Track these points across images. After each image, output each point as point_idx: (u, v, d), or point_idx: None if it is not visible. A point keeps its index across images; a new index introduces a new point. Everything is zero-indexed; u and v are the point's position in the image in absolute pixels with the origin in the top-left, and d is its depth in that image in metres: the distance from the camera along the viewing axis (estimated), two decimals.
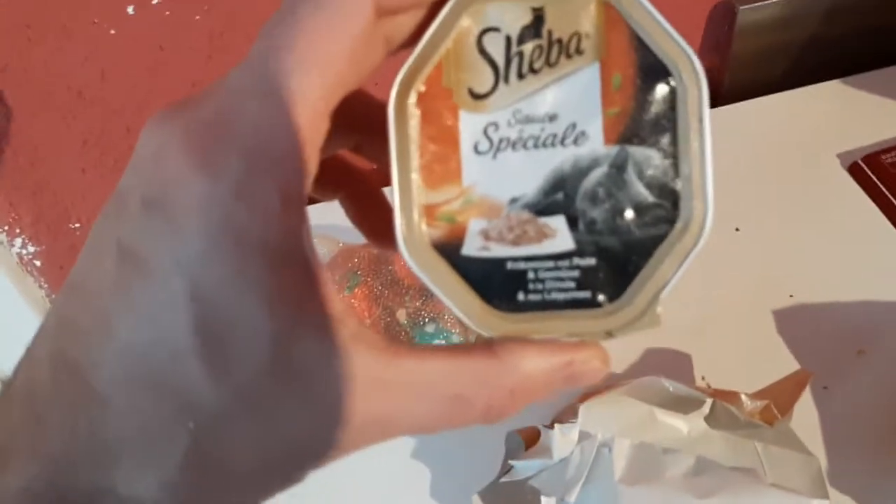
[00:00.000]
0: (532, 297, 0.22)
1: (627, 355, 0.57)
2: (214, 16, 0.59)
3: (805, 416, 0.51)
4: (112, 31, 0.58)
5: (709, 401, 0.44)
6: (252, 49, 0.19)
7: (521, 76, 0.21)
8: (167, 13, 0.58)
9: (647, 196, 0.21)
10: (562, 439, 0.44)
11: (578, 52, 0.21)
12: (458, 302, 0.21)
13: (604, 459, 0.43)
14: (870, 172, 0.65)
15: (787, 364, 0.56)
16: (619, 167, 0.21)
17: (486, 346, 0.21)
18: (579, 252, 0.21)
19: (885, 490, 0.49)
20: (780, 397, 0.47)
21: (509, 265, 0.22)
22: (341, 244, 0.60)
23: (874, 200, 0.64)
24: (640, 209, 0.21)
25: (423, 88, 0.21)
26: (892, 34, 0.76)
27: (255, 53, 0.19)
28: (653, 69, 0.21)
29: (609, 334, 0.22)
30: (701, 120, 0.20)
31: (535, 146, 0.21)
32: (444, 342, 0.54)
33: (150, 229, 0.18)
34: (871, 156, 0.66)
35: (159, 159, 0.18)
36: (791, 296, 0.59)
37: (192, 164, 0.18)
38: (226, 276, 0.18)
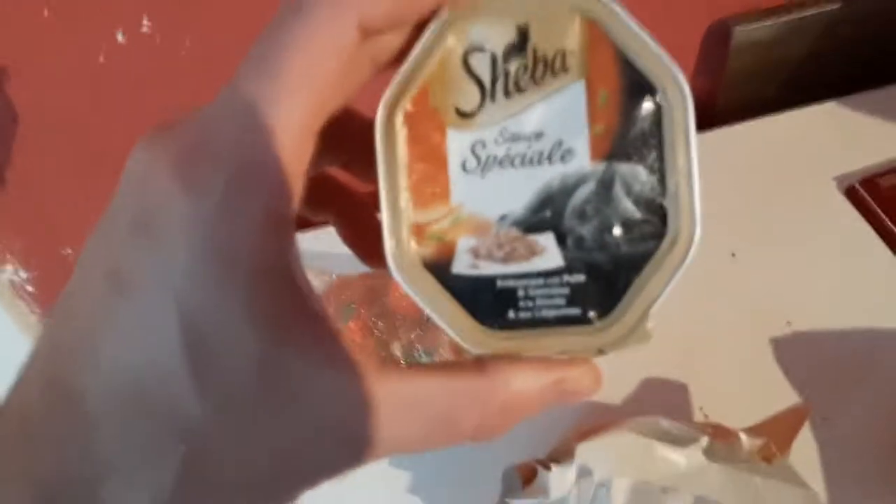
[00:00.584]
0: (522, 314, 0.22)
1: (624, 386, 0.57)
2: (205, 42, 0.60)
3: (804, 448, 0.51)
4: (101, 59, 0.59)
5: (706, 439, 0.45)
6: (237, 71, 0.20)
7: (507, 94, 0.22)
8: (157, 40, 0.58)
9: (635, 212, 0.21)
10: (559, 478, 0.44)
11: (564, 69, 0.21)
12: (449, 320, 0.22)
13: (601, 500, 0.43)
14: (867, 196, 0.66)
15: (786, 394, 0.56)
16: (606, 184, 0.21)
17: (475, 363, 0.21)
18: (569, 269, 0.22)
19: None
20: (778, 434, 0.47)
21: (499, 283, 0.22)
22: (335, 276, 0.60)
23: (872, 225, 0.65)
24: (628, 225, 0.21)
25: (409, 108, 0.22)
26: (887, 52, 0.78)
27: (239, 75, 0.20)
28: (638, 86, 0.21)
29: (600, 351, 0.22)
30: (687, 135, 0.21)
31: (523, 164, 0.22)
32: None
33: (137, 251, 0.18)
34: (868, 179, 0.67)
35: (146, 181, 0.19)
36: (789, 323, 0.60)
37: (178, 186, 0.18)
38: (212, 295, 0.18)
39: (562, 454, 0.47)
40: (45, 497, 0.18)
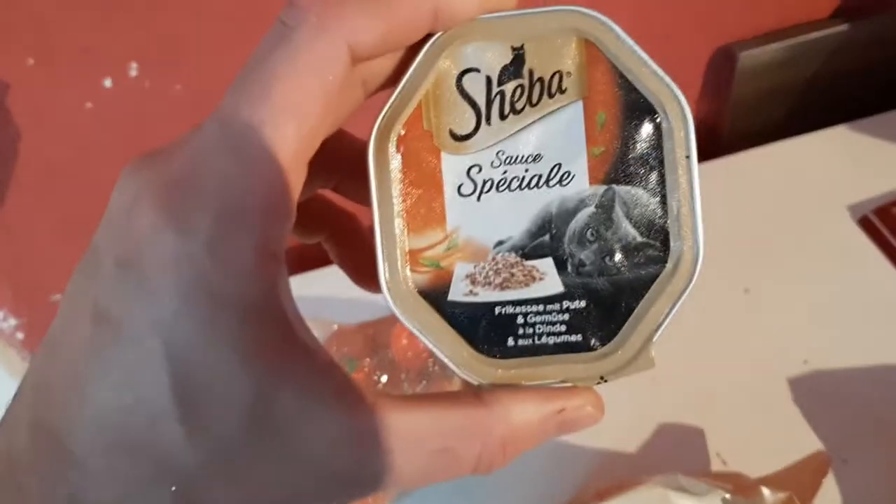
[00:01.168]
0: (522, 341, 0.22)
1: (639, 432, 0.56)
2: (195, 85, 0.60)
3: (827, 494, 0.50)
4: (89, 105, 0.58)
5: (727, 496, 0.44)
6: (223, 100, 0.20)
7: (503, 116, 0.22)
8: (146, 85, 0.58)
9: (636, 236, 0.21)
10: None
11: (560, 90, 0.21)
12: (446, 350, 0.22)
13: None
14: (880, 226, 0.65)
15: (805, 437, 0.55)
16: (606, 207, 0.21)
17: (474, 394, 0.21)
18: (569, 295, 0.22)
19: None
20: (801, 485, 0.47)
21: (497, 310, 0.22)
22: (335, 327, 0.59)
23: (887, 255, 0.64)
24: (629, 249, 0.22)
25: (403, 132, 0.22)
26: (893, 73, 0.78)
27: (226, 105, 0.19)
28: (637, 106, 0.21)
29: (602, 379, 0.22)
30: (688, 157, 0.21)
31: (520, 187, 0.22)
32: None
33: (124, 290, 0.18)
34: (882, 208, 0.67)
35: (132, 215, 0.19)
36: (805, 361, 0.59)
37: (164, 222, 0.18)
38: (200, 334, 0.18)
39: None
40: None
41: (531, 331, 0.22)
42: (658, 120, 0.21)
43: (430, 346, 0.22)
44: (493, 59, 0.21)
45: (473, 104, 0.21)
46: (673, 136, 0.21)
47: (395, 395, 0.20)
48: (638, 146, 0.21)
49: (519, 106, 0.21)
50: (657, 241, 0.21)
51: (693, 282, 0.21)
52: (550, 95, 0.21)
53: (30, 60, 0.55)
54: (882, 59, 0.77)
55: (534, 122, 0.21)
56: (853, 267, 0.64)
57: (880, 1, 0.74)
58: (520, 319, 0.22)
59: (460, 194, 0.22)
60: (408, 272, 0.22)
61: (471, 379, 0.22)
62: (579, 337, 0.22)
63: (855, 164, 0.71)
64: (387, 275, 0.21)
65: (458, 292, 0.22)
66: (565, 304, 0.22)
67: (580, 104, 0.21)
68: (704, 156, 0.77)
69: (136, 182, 0.19)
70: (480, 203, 0.22)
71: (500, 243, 0.22)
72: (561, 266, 0.22)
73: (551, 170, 0.21)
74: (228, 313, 0.18)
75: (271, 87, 0.19)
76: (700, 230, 0.21)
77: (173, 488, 0.18)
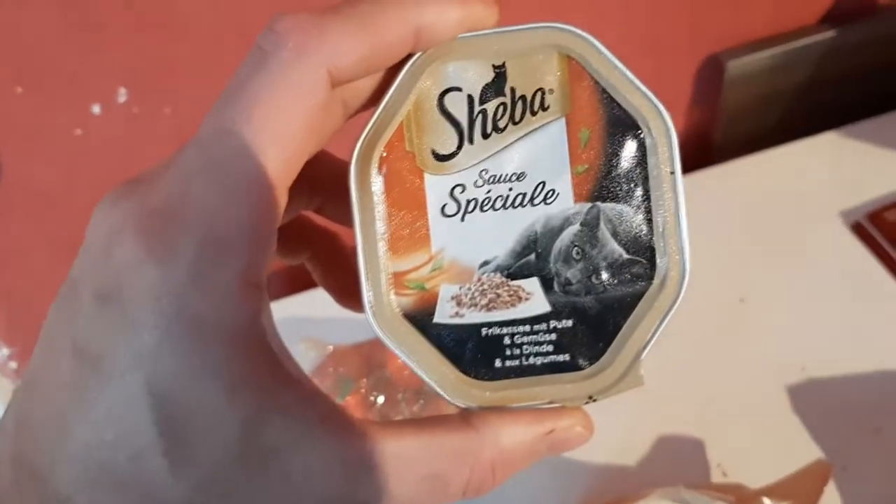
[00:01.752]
0: (510, 362, 0.22)
1: (638, 445, 0.56)
2: (184, 110, 0.60)
3: (827, 501, 0.50)
4: (78, 132, 0.59)
5: None
6: (202, 126, 0.19)
7: (485, 135, 0.21)
8: (135, 110, 0.59)
9: (623, 253, 0.21)
10: None
11: (543, 108, 0.21)
12: (433, 373, 0.22)
13: None
14: (873, 232, 0.65)
15: (805, 445, 0.55)
16: (591, 225, 0.21)
17: (462, 418, 0.21)
18: (556, 314, 0.22)
19: None
20: (802, 495, 0.46)
21: (484, 331, 0.22)
22: (331, 348, 0.59)
23: (881, 261, 0.65)
24: (615, 267, 0.21)
25: (384, 153, 0.22)
26: (882, 78, 0.79)
27: (205, 131, 0.19)
28: (620, 123, 0.21)
29: (591, 398, 0.22)
30: (673, 172, 0.21)
31: (504, 206, 0.21)
32: None
33: (104, 324, 0.18)
34: (875, 214, 0.67)
35: (111, 246, 0.19)
36: (803, 369, 0.59)
37: (144, 252, 0.18)
38: (184, 366, 0.18)
39: None
40: None
41: (518, 351, 0.22)
42: (642, 136, 0.21)
43: (417, 370, 0.21)
44: (475, 77, 0.21)
45: (456, 123, 0.21)
46: (657, 151, 0.21)
47: (382, 421, 0.20)
48: (622, 163, 0.21)
49: (501, 124, 0.21)
50: (643, 258, 0.21)
51: (680, 298, 0.21)
52: (533, 113, 0.21)
53: (18, 89, 0.55)
54: (870, 65, 0.77)
55: (517, 140, 0.21)
56: (847, 273, 0.65)
57: (867, 6, 0.75)
58: (507, 340, 0.22)
59: (444, 215, 0.21)
60: (392, 295, 0.22)
61: (458, 402, 0.22)
62: (567, 357, 0.22)
63: (846, 170, 0.72)
64: (371, 299, 0.21)
65: (443, 314, 0.22)
66: (552, 323, 0.22)
67: (563, 121, 0.21)
68: (695, 165, 0.77)
69: (114, 213, 0.19)
70: (465, 223, 0.21)
71: (485, 263, 0.22)
72: (547, 285, 0.21)
73: (535, 188, 0.21)
74: (213, 344, 0.18)
75: (251, 112, 0.19)
76: (686, 246, 0.21)
77: None
